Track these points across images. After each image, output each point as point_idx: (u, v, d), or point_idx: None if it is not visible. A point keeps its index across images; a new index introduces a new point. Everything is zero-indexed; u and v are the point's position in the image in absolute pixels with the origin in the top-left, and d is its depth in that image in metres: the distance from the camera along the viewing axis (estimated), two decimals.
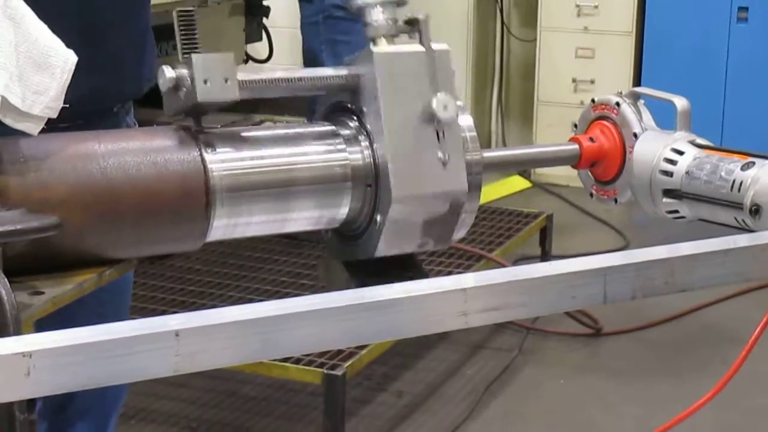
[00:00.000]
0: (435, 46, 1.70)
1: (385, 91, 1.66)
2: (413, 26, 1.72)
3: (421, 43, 1.70)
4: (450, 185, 1.69)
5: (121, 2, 2.29)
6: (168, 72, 1.59)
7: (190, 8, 1.57)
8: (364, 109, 1.69)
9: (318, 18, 5.36)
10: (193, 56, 1.58)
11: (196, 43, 1.60)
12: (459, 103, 1.75)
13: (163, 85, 1.60)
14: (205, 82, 1.57)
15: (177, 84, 1.59)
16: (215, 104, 1.60)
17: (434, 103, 1.65)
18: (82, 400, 2.69)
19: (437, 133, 1.67)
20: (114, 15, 2.23)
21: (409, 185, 1.67)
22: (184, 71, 1.59)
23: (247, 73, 1.65)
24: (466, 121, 1.74)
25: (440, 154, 1.67)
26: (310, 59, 5.42)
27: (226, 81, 1.59)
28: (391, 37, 1.72)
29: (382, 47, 1.70)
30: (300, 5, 5.40)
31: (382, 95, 1.65)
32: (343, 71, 1.71)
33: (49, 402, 2.72)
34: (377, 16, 1.72)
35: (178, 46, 1.58)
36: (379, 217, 1.68)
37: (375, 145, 1.68)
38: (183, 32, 1.58)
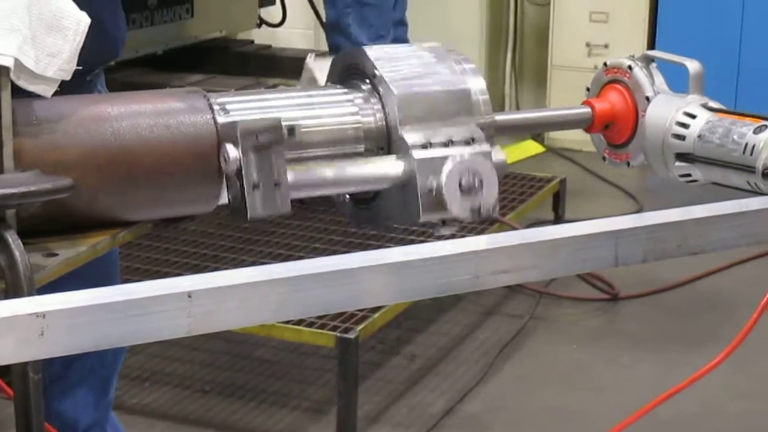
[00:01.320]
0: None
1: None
2: None
3: None
4: None
5: None
6: (232, 153, 1.57)
7: (294, 128, 1.56)
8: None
9: None
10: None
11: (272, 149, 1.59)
12: (471, 65, 1.76)
13: (227, 168, 1.58)
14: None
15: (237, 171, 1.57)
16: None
17: None
18: (81, 366, 2.69)
19: None
20: None
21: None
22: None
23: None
24: (478, 84, 1.74)
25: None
26: (333, 24, 5.39)
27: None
28: None
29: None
30: None
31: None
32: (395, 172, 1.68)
33: (47, 371, 2.71)
34: None
35: (261, 141, 1.56)
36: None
37: (386, 109, 1.69)
38: (272, 141, 1.57)
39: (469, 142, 1.67)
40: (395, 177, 1.65)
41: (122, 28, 2.43)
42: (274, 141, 1.54)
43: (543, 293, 4.91)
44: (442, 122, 1.67)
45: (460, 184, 1.63)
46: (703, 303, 4.97)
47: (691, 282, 5.09)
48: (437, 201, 1.62)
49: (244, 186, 1.55)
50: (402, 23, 5.69)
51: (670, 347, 4.51)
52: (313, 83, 1.61)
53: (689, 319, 4.82)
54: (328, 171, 1.64)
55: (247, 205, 1.55)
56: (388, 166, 1.65)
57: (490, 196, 1.65)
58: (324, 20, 5.52)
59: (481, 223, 4.82)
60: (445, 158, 1.63)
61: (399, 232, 4.33)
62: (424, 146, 1.65)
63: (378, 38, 5.29)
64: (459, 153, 1.65)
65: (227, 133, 1.59)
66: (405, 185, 1.64)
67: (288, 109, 1.69)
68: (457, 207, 1.63)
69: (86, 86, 2.34)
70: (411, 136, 1.65)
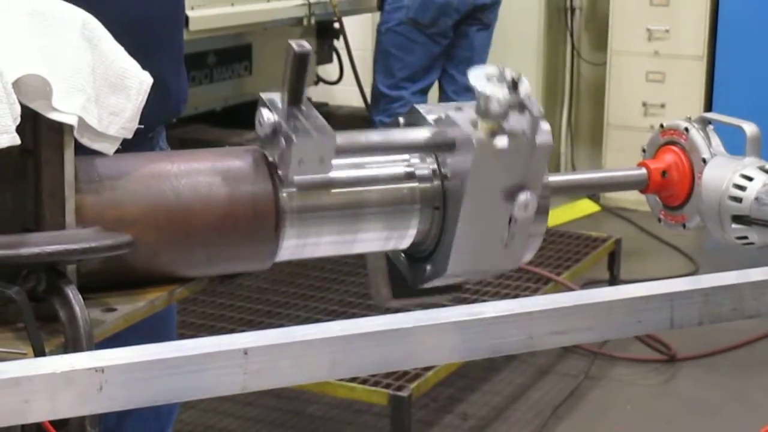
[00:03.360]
0: (540, 138, 1.68)
1: (474, 178, 1.65)
2: (522, 109, 1.67)
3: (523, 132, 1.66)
4: (503, 264, 1.71)
5: (163, 24, 2.34)
6: (267, 116, 1.59)
7: (307, 47, 1.54)
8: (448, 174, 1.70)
9: (383, 28, 5.47)
10: (294, 141, 1.56)
11: (303, 85, 1.59)
12: None
13: (261, 131, 1.59)
14: (300, 163, 1.57)
15: (274, 130, 1.58)
16: None
17: (516, 201, 1.64)
18: (137, 419, 2.70)
19: (510, 218, 1.67)
20: (157, 36, 2.28)
21: (466, 257, 1.69)
22: (282, 124, 1.58)
23: (345, 138, 1.64)
24: None
25: (505, 236, 1.68)
26: (373, 64, 5.58)
27: (321, 161, 1.58)
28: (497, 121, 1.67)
29: (484, 135, 1.65)
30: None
31: (469, 182, 1.65)
32: (440, 137, 1.68)
33: (102, 423, 2.72)
34: (491, 105, 1.66)
35: (286, 82, 1.57)
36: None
37: (444, 170, 1.70)
38: (294, 72, 1.57)
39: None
40: (439, 136, 1.66)
41: (184, 87, 2.46)
42: (298, 65, 1.55)
43: (598, 353, 4.89)
44: None
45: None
46: (760, 365, 4.91)
47: (749, 344, 5.04)
48: (484, 112, 1.62)
49: (289, 135, 1.54)
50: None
51: (727, 410, 4.46)
52: None
53: (747, 382, 4.76)
54: (374, 135, 1.65)
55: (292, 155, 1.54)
56: (431, 130, 1.67)
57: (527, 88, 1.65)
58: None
59: (536, 283, 4.81)
60: None
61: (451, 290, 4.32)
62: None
63: (398, 88, 5.38)
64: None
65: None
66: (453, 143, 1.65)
67: (343, 169, 1.70)
68: (496, 92, 1.62)
69: (148, 143, 2.38)
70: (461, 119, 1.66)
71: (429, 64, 5.54)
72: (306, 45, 1.51)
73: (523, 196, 1.64)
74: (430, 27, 5.44)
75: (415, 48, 5.47)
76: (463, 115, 1.65)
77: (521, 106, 1.64)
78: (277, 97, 1.59)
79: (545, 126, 1.66)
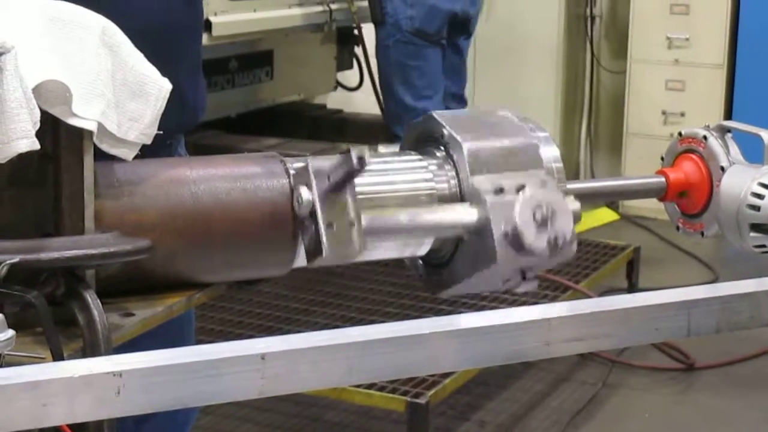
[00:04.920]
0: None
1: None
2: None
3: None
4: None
5: (180, 33, 2.34)
6: (305, 196, 1.57)
7: (366, 161, 1.52)
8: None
9: (389, 42, 5.43)
10: (323, 254, 1.56)
11: (344, 189, 1.58)
12: (544, 134, 1.76)
13: (300, 210, 1.59)
14: (323, 260, 1.57)
15: (311, 214, 1.58)
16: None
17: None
18: (154, 424, 2.70)
19: None
20: (173, 45, 2.28)
21: None
22: (318, 213, 1.57)
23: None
24: (551, 151, 1.75)
25: None
26: (383, 83, 5.52)
27: (345, 257, 1.58)
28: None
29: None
30: (375, 28, 5.49)
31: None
32: (469, 218, 1.69)
33: (120, 428, 2.72)
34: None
35: (333, 177, 1.56)
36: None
37: (461, 175, 1.70)
38: (343, 177, 1.56)
39: (542, 186, 1.66)
40: (469, 223, 1.64)
41: (202, 95, 2.46)
42: (346, 176, 1.54)
43: (616, 361, 4.87)
44: (514, 173, 1.67)
45: (534, 217, 1.62)
46: None
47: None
48: (513, 242, 1.61)
49: (320, 224, 1.54)
50: (459, 98, 5.73)
51: (746, 419, 4.45)
52: None
53: (766, 391, 4.75)
54: (402, 215, 1.65)
55: (323, 244, 1.54)
56: (461, 212, 1.65)
57: (565, 226, 1.63)
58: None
59: (554, 291, 4.80)
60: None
61: (471, 297, 4.32)
62: (497, 192, 1.65)
63: (421, 98, 5.36)
64: (531, 192, 1.64)
65: (300, 176, 1.60)
66: (480, 232, 1.64)
67: (362, 175, 1.71)
68: (533, 239, 1.61)
69: (166, 150, 2.38)
70: (482, 184, 1.66)
71: (440, 69, 5.54)
72: (365, 158, 1.49)
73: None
74: (434, 36, 5.43)
75: (427, 54, 5.45)
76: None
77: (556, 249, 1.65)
78: (321, 165, 1.58)
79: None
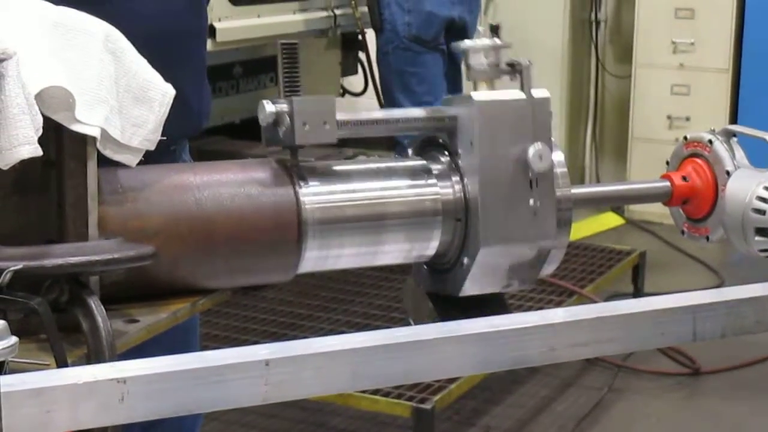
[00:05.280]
0: (535, 93, 1.70)
1: (482, 137, 1.67)
2: (514, 70, 1.72)
3: (521, 89, 1.71)
4: (538, 234, 1.70)
5: (184, 38, 2.33)
6: (268, 107, 1.62)
7: (293, 41, 1.59)
8: (460, 150, 1.70)
9: (388, 48, 5.43)
10: (294, 99, 1.61)
11: (297, 77, 1.63)
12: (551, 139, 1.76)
13: (263, 120, 1.63)
14: (304, 124, 1.60)
15: (276, 120, 1.62)
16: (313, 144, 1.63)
17: (530, 153, 1.66)
18: (160, 431, 2.70)
19: (530, 182, 1.68)
20: (178, 50, 2.27)
21: (497, 231, 1.68)
22: (284, 107, 1.62)
23: (346, 114, 1.67)
24: (557, 156, 1.74)
25: (531, 203, 1.68)
26: (384, 90, 5.52)
27: (324, 124, 1.61)
28: (491, 81, 1.73)
29: (482, 94, 1.70)
30: (376, 36, 5.49)
31: (478, 142, 1.66)
32: (439, 113, 1.72)
33: None
34: (480, 59, 1.72)
35: (280, 78, 1.62)
36: (466, 260, 1.69)
37: (466, 180, 1.70)
38: (286, 65, 1.61)
39: None
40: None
41: (207, 101, 2.45)
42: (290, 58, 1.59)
43: (621, 366, 4.87)
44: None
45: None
46: None
47: None
48: None
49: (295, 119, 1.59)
50: None
51: (752, 424, 4.44)
52: None
53: None
54: (377, 113, 1.68)
55: (295, 131, 1.59)
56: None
57: None
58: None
59: (559, 295, 4.80)
60: None
61: None
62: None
63: (421, 104, 5.35)
64: None
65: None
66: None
67: (367, 179, 1.71)
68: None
69: (171, 156, 2.37)
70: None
71: (440, 73, 5.53)
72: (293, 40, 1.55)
73: (536, 145, 1.65)
74: (432, 42, 5.43)
75: (425, 60, 5.45)
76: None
77: (513, 68, 1.67)
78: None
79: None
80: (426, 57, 5.43)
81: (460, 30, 5.56)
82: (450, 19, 5.44)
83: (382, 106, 5.64)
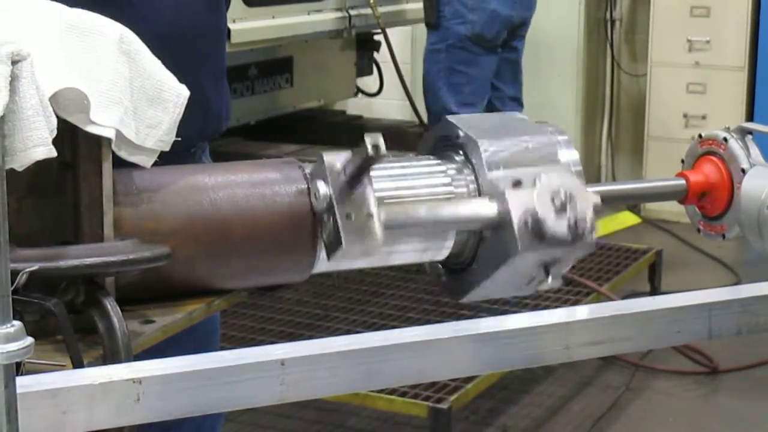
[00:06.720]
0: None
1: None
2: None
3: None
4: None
5: (202, 39, 2.33)
6: (323, 191, 1.55)
7: (381, 150, 1.49)
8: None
9: (442, 45, 5.40)
10: (342, 245, 1.55)
11: (361, 180, 1.56)
12: (564, 137, 1.76)
13: (317, 204, 1.57)
14: (342, 255, 1.55)
15: (329, 208, 1.56)
16: None
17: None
18: None
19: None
20: (196, 51, 2.27)
21: None
22: (334, 206, 1.55)
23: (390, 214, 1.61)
24: (571, 155, 1.74)
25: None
26: (428, 86, 5.49)
27: (365, 253, 1.56)
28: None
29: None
30: (427, 31, 5.48)
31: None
32: (488, 211, 1.67)
33: None
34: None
35: (349, 169, 1.54)
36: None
37: (480, 179, 1.69)
38: (359, 167, 1.53)
39: (558, 173, 1.64)
40: (489, 216, 1.62)
41: (227, 102, 2.44)
42: (362, 166, 1.52)
43: (639, 365, 4.86)
44: (532, 168, 1.66)
45: (552, 202, 1.60)
46: None
47: None
48: (534, 230, 1.59)
49: (337, 216, 1.51)
50: (516, 101, 5.71)
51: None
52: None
53: None
54: (422, 208, 1.63)
55: (341, 236, 1.51)
56: (480, 205, 1.63)
57: (584, 208, 1.61)
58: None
59: (576, 294, 4.79)
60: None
61: (492, 302, 4.31)
62: (515, 185, 1.63)
63: (466, 105, 5.34)
64: (547, 179, 1.63)
65: (316, 172, 1.59)
66: (499, 224, 1.61)
67: (381, 180, 1.70)
68: (553, 223, 1.59)
69: (190, 158, 2.36)
70: (500, 178, 1.64)
71: (490, 76, 5.53)
72: (381, 146, 1.47)
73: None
74: (492, 41, 5.42)
75: (480, 61, 5.43)
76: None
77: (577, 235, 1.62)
78: (335, 160, 1.56)
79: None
80: (481, 59, 5.43)
81: (518, 29, 5.56)
82: (511, 17, 5.44)
83: (411, 102, 5.63)
